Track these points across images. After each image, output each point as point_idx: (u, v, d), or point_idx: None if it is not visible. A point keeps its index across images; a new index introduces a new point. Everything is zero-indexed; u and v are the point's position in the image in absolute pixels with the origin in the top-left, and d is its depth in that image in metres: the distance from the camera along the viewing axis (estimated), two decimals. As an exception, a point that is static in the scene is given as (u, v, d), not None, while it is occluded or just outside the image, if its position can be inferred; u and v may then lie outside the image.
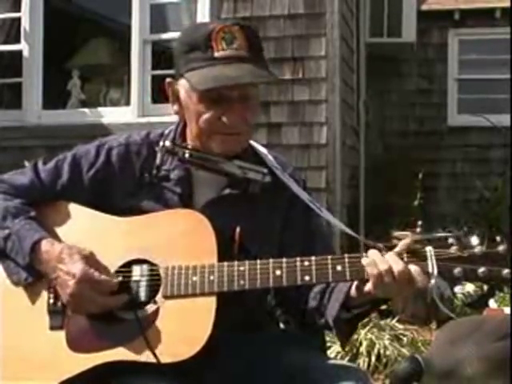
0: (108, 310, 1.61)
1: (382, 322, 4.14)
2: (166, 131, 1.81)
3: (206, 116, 1.67)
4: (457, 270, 1.48)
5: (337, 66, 5.16)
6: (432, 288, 1.49)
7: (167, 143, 1.72)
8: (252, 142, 1.85)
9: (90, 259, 1.63)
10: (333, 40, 5.12)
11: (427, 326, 4.45)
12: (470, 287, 4.98)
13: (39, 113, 5.52)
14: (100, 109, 5.65)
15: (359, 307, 1.61)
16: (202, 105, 1.67)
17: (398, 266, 1.48)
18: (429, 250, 1.51)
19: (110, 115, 5.45)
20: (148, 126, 1.86)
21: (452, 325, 3.13)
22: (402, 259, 1.50)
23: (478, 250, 1.49)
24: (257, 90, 1.73)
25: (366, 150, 7.08)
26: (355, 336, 3.86)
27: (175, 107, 1.76)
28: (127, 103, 5.51)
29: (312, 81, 5.15)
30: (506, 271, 1.46)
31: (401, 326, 4.17)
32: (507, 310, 4.38)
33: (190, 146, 1.72)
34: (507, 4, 7.27)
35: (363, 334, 3.90)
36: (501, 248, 1.48)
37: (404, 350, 3.86)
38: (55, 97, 5.84)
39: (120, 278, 1.63)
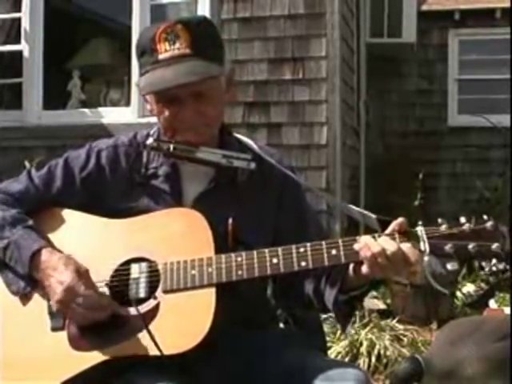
0: (89, 322, 1.61)
1: (383, 323, 4.14)
2: (151, 131, 1.83)
3: (164, 115, 1.72)
4: (448, 247, 1.52)
5: (337, 67, 5.16)
6: (425, 266, 1.53)
7: (150, 140, 1.76)
8: (236, 135, 1.87)
9: (82, 273, 1.63)
10: (333, 40, 5.12)
11: (427, 327, 4.45)
12: (470, 287, 4.98)
13: (39, 113, 5.52)
14: (100, 109, 5.65)
15: (357, 289, 1.63)
16: (160, 105, 1.72)
17: (390, 246, 1.51)
18: (420, 229, 1.55)
19: (110, 115, 5.45)
20: (148, 127, 1.87)
21: (452, 325, 3.14)
22: (394, 240, 1.53)
23: (466, 227, 1.53)
24: (213, 83, 1.71)
25: (367, 150, 7.09)
26: (355, 336, 3.87)
27: (148, 107, 1.80)
28: (127, 103, 5.52)
29: (312, 81, 5.15)
30: (495, 245, 1.51)
31: (401, 327, 4.17)
32: (507, 310, 4.39)
33: (173, 141, 1.74)
34: (507, 4, 7.27)
35: (363, 335, 3.90)
36: (488, 224, 1.53)
37: (404, 351, 3.86)
38: (55, 97, 5.84)
39: (108, 298, 1.63)
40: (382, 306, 4.57)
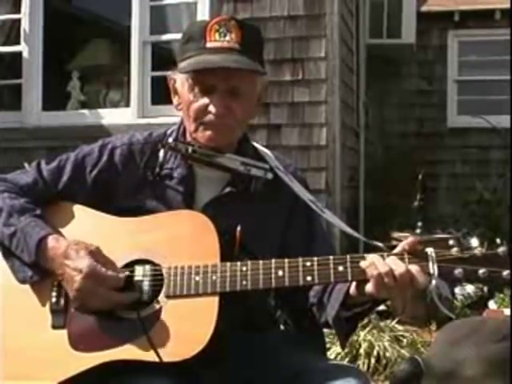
0: (113, 306, 1.61)
1: (382, 324, 4.14)
2: (169, 131, 1.83)
3: (194, 104, 1.70)
4: (457, 271, 1.49)
5: (336, 67, 5.16)
6: (432, 289, 1.49)
7: (170, 140, 1.75)
8: (254, 144, 1.87)
9: (96, 254, 1.63)
10: (332, 41, 5.12)
11: (427, 327, 4.45)
12: (469, 288, 4.98)
13: (39, 114, 5.51)
14: (100, 110, 5.65)
15: (359, 306, 1.62)
16: (192, 93, 1.70)
17: (398, 267, 1.49)
18: (430, 251, 1.52)
19: (109, 116, 5.45)
20: (148, 127, 1.87)
21: (452, 326, 3.13)
22: (402, 260, 1.51)
23: (478, 251, 1.50)
24: (251, 86, 1.73)
25: (366, 151, 7.08)
26: (355, 337, 3.86)
27: (175, 100, 1.79)
28: (127, 104, 5.51)
29: (312, 82, 5.14)
30: (506, 272, 1.48)
31: (400, 328, 4.17)
32: (507, 312, 4.39)
33: (192, 143, 1.73)
34: (507, 5, 7.27)
35: (363, 336, 3.90)
36: (501, 250, 1.49)
37: (404, 352, 3.86)
38: (55, 98, 5.83)
39: (126, 273, 1.63)
40: (381, 306, 4.56)
